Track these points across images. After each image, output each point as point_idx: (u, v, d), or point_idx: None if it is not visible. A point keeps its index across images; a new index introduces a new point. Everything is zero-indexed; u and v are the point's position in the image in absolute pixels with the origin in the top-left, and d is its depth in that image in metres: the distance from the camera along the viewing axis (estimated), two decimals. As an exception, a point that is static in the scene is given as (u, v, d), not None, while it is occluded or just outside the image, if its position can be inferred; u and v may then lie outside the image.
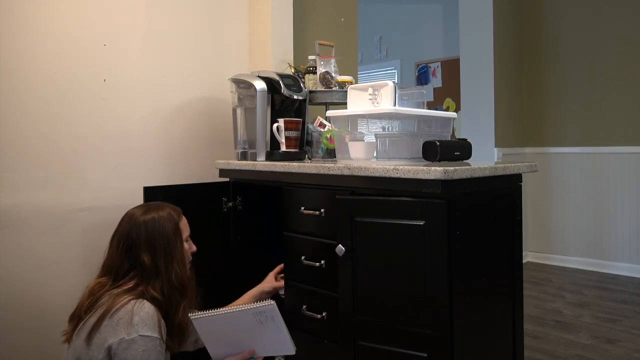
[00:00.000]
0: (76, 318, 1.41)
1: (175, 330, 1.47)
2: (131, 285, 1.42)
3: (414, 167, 1.37)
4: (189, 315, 1.48)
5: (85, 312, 1.39)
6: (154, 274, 1.44)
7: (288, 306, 1.81)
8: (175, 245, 1.49)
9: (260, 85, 1.91)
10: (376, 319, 1.46)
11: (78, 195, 1.93)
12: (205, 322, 1.49)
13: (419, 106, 1.80)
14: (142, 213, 1.50)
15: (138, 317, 1.33)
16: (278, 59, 2.41)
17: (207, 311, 1.48)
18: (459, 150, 1.66)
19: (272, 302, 1.50)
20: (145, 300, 1.39)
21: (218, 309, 1.49)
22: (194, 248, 1.60)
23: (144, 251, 1.45)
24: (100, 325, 1.33)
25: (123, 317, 1.33)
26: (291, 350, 1.56)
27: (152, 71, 2.14)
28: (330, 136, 1.89)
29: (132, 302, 1.37)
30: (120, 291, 1.40)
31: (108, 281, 1.44)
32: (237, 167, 1.95)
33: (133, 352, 1.30)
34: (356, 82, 2.22)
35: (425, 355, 1.37)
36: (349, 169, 1.53)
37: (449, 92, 5.28)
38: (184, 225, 1.57)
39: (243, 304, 1.53)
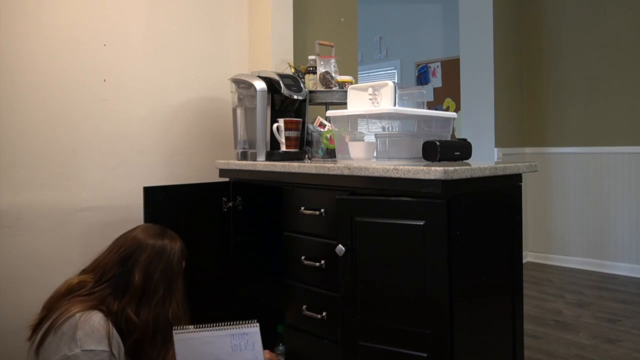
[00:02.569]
0: (41, 312, 1.35)
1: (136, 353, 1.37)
2: (96, 294, 1.34)
3: (414, 167, 1.37)
4: (173, 331, 1.41)
5: (42, 313, 1.32)
6: (141, 297, 1.36)
7: (288, 306, 1.81)
8: (177, 281, 1.43)
9: (260, 85, 1.91)
10: (376, 319, 1.46)
11: (78, 195, 1.93)
12: (188, 341, 1.42)
13: (419, 106, 1.80)
14: (156, 236, 1.44)
15: (82, 332, 1.25)
16: (278, 59, 2.41)
17: (190, 328, 1.43)
18: (459, 150, 1.66)
19: (256, 324, 1.52)
20: (93, 312, 1.30)
21: (202, 328, 1.43)
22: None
23: (138, 270, 1.38)
24: (44, 341, 1.26)
25: (66, 332, 1.25)
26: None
27: (152, 71, 2.15)
28: (330, 136, 1.89)
29: (78, 314, 1.28)
30: (74, 301, 1.32)
31: (91, 280, 1.37)
32: (237, 167, 1.95)
33: None
34: (356, 82, 2.22)
35: (425, 355, 1.37)
36: (349, 169, 1.53)
37: (449, 92, 5.28)
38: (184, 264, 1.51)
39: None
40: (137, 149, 2.10)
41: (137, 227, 1.50)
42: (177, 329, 1.42)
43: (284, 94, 1.93)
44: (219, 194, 2.01)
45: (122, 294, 1.35)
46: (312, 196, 1.73)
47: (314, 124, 2.09)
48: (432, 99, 5.41)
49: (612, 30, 4.01)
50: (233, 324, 1.50)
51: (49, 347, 1.25)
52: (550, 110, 4.34)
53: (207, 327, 1.46)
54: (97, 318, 1.28)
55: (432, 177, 1.32)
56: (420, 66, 5.54)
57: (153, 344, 1.37)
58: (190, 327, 1.44)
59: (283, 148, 1.95)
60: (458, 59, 4.51)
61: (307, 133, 2.04)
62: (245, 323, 1.51)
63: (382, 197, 1.45)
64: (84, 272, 1.45)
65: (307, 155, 2.03)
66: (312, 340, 1.74)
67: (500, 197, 1.62)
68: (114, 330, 1.30)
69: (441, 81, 5.37)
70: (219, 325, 1.49)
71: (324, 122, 2.09)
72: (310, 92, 2.09)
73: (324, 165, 1.62)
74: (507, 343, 1.66)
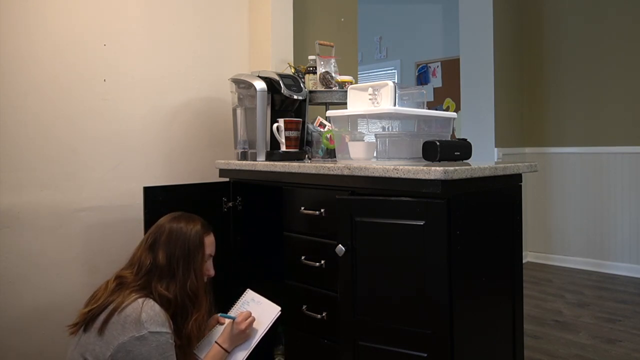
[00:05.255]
0: (90, 306, 1.43)
1: (182, 340, 1.48)
2: (141, 282, 1.45)
3: (414, 167, 1.37)
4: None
5: (100, 304, 1.41)
6: (167, 274, 1.47)
7: (288, 306, 1.81)
8: (195, 256, 1.53)
9: (260, 85, 1.91)
10: (376, 319, 1.46)
11: (78, 195, 1.93)
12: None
13: (419, 106, 1.80)
14: (174, 220, 1.56)
15: (146, 314, 1.36)
16: (278, 59, 2.41)
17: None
18: (459, 150, 1.66)
19: (247, 289, 1.74)
20: (152, 300, 1.42)
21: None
22: (212, 272, 1.61)
23: (162, 250, 1.49)
24: (109, 321, 1.36)
25: (130, 314, 1.36)
26: (277, 310, 1.66)
27: (152, 71, 2.15)
28: (330, 136, 1.89)
29: (140, 300, 1.40)
30: (129, 290, 1.43)
31: (130, 275, 1.47)
32: (237, 167, 1.95)
33: (147, 347, 1.33)
34: (356, 82, 2.22)
35: (425, 355, 1.37)
36: (349, 169, 1.53)
37: (449, 92, 5.28)
38: (210, 242, 1.60)
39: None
40: (137, 149, 2.10)
41: (161, 217, 1.60)
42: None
43: (284, 94, 1.93)
44: (219, 194, 2.01)
45: (154, 276, 1.47)
46: (312, 196, 1.73)
47: (314, 124, 2.09)
48: (432, 99, 5.41)
49: (612, 30, 4.01)
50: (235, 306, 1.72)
51: (114, 327, 1.35)
52: (550, 110, 4.34)
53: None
54: (156, 305, 1.41)
55: (432, 177, 1.32)
56: (420, 66, 5.54)
57: (183, 315, 1.48)
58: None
59: (283, 148, 1.95)
60: (458, 59, 4.51)
61: (307, 133, 2.04)
62: (241, 297, 1.75)
63: (382, 197, 1.45)
64: (122, 270, 1.53)
65: (307, 155, 2.03)
66: (312, 340, 1.74)
67: (500, 197, 1.62)
68: (169, 317, 1.43)
69: (441, 81, 5.37)
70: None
71: (324, 122, 2.09)
72: (310, 92, 2.09)
73: (324, 165, 1.62)
74: (507, 343, 1.66)
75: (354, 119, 1.77)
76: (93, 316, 1.39)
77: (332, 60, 2.18)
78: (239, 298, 1.74)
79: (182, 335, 1.48)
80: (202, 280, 1.55)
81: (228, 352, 1.57)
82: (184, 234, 1.52)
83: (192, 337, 1.51)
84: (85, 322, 1.40)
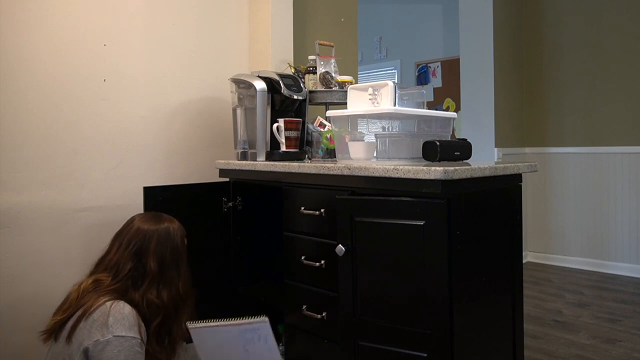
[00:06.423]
0: (60, 314, 1.40)
1: (169, 341, 1.47)
2: (117, 287, 1.41)
3: (414, 167, 1.37)
4: (187, 324, 1.51)
5: (70, 311, 1.38)
6: (160, 281, 1.45)
7: (288, 306, 1.81)
8: (183, 257, 1.53)
9: (260, 85, 1.91)
10: (376, 319, 1.46)
11: (78, 195, 1.93)
12: (202, 332, 1.53)
13: (419, 106, 1.80)
14: (156, 222, 1.52)
15: (113, 318, 1.33)
16: (278, 59, 2.41)
17: (204, 322, 1.53)
18: (459, 150, 1.66)
19: (266, 318, 1.54)
20: (122, 302, 1.38)
21: (215, 322, 1.53)
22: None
23: (152, 257, 1.46)
24: (76, 327, 1.33)
25: (98, 318, 1.33)
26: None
27: (152, 71, 2.15)
28: (330, 136, 1.89)
29: (109, 303, 1.36)
30: (99, 294, 1.39)
31: (107, 279, 1.43)
32: (237, 167, 1.95)
33: (108, 353, 1.29)
34: (356, 82, 2.22)
35: (425, 355, 1.37)
36: (349, 169, 1.53)
37: (449, 92, 5.28)
38: (185, 239, 1.59)
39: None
40: (137, 149, 2.10)
41: (133, 220, 1.55)
42: (192, 322, 1.52)
43: (284, 94, 1.93)
44: (219, 194, 2.01)
45: (141, 284, 1.44)
46: (312, 196, 1.73)
47: (314, 124, 2.09)
48: (432, 99, 5.41)
49: (612, 30, 4.01)
50: (243, 319, 1.55)
51: (81, 333, 1.32)
52: (550, 110, 4.34)
53: (219, 321, 1.55)
54: (127, 307, 1.37)
55: (432, 177, 1.32)
56: (420, 66, 5.54)
57: (176, 320, 1.47)
58: (202, 321, 1.54)
59: (283, 148, 1.95)
60: (458, 59, 4.51)
61: (307, 133, 2.04)
62: (254, 318, 1.55)
63: (382, 197, 1.45)
64: (93, 273, 1.49)
65: (307, 155, 2.03)
66: (312, 340, 1.74)
67: (500, 197, 1.62)
68: (140, 320, 1.39)
69: (441, 81, 5.37)
70: (229, 319, 1.56)
71: (324, 122, 2.09)
72: (310, 92, 2.09)
73: (324, 165, 1.62)
74: (507, 343, 1.66)
75: (354, 119, 1.77)
76: (62, 324, 1.37)
77: (332, 60, 2.18)
78: (253, 318, 1.56)
79: (172, 335, 1.46)
80: (190, 280, 1.54)
81: None
82: (172, 237, 1.50)
83: (179, 339, 1.50)
84: (54, 331, 1.38)
